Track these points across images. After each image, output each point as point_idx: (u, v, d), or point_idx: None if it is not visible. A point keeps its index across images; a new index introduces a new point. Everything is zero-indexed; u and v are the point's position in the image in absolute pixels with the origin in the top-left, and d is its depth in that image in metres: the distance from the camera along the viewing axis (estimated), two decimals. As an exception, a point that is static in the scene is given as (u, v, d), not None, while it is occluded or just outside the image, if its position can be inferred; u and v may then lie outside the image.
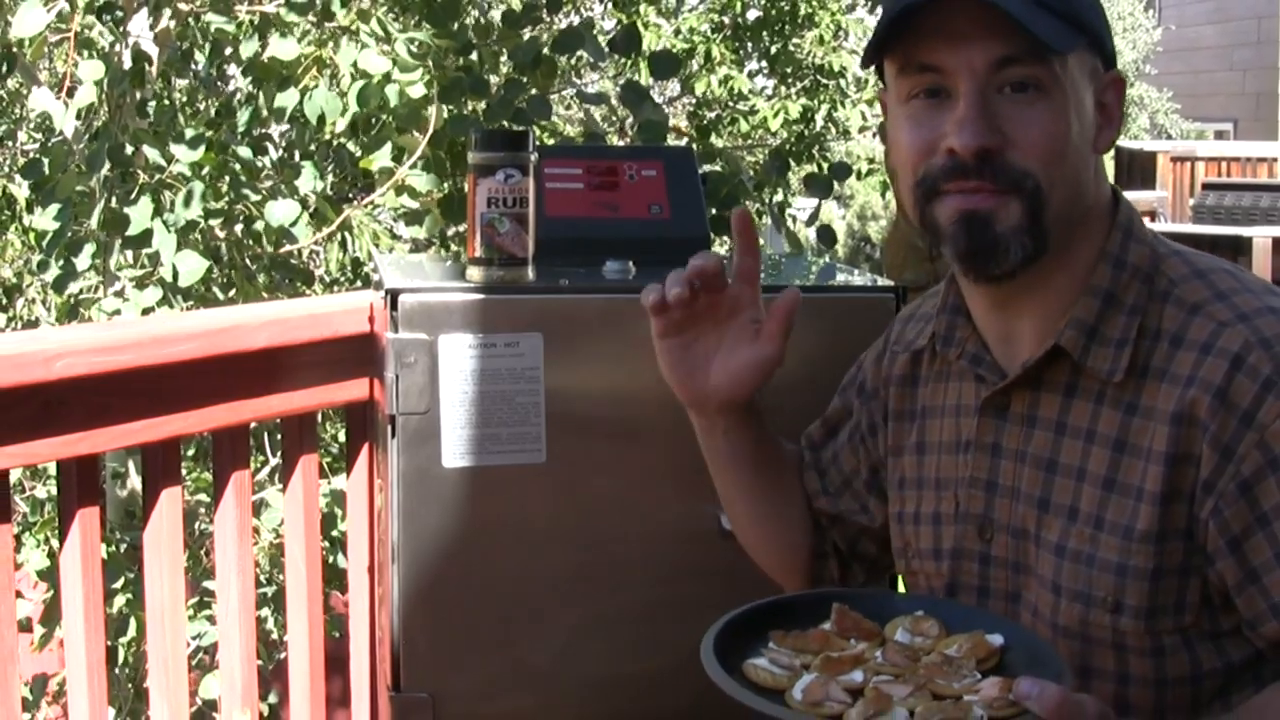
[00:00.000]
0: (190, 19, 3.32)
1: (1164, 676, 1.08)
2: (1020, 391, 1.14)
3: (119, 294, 3.15)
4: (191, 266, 2.92)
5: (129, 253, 3.21)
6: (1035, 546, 1.13)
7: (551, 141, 4.17)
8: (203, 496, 3.30)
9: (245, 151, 3.14)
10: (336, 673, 1.96)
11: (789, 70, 6.66)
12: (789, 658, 1.02)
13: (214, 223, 3.16)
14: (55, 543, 2.25)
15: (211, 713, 2.75)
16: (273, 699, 3.02)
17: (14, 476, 1.85)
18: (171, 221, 2.93)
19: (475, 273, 1.61)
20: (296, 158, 3.36)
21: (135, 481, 3.38)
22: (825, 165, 6.05)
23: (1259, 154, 9.25)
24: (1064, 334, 1.10)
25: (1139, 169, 8.35)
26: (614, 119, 5.81)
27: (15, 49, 3.24)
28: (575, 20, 6.31)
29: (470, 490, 1.57)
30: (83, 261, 3.03)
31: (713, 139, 5.72)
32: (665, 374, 1.24)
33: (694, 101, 6.74)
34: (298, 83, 2.78)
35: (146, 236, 2.94)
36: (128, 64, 3.19)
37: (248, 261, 3.34)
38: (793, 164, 5.90)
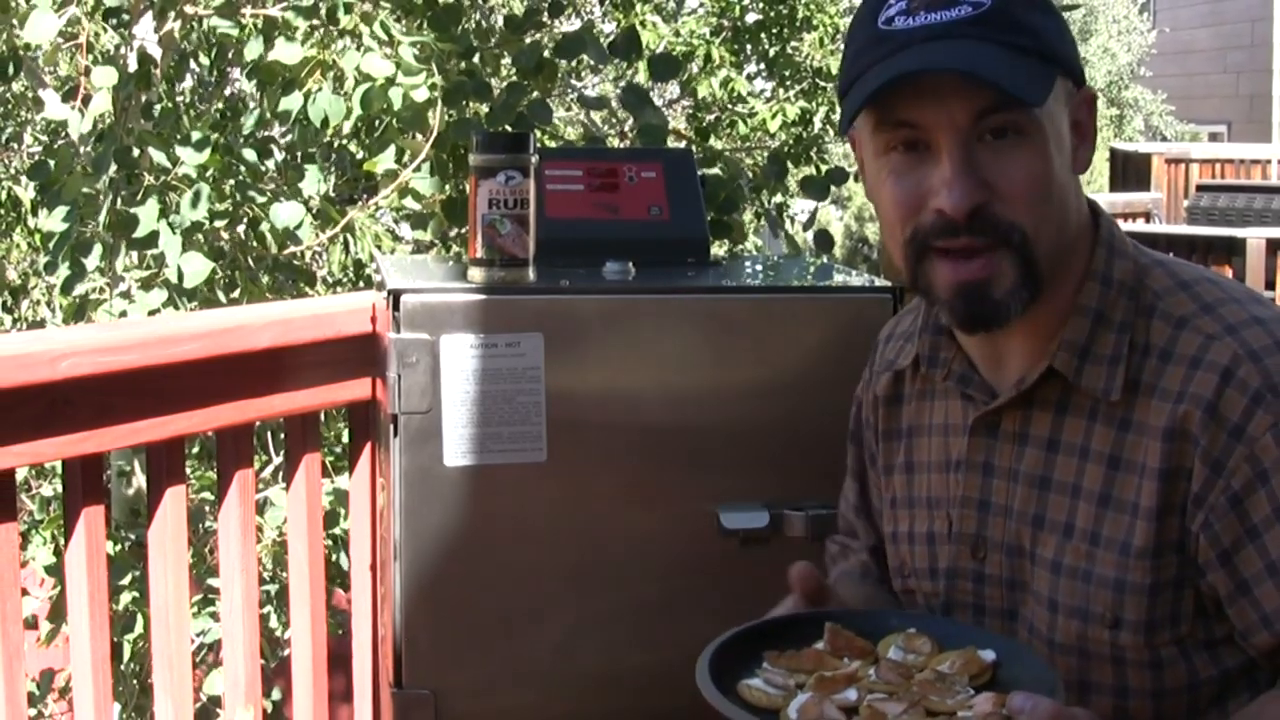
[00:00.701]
0: (195, 22, 3.34)
1: (1162, 688, 1.09)
2: (1011, 410, 1.14)
3: (125, 295, 3.17)
4: (196, 268, 2.94)
5: (134, 254, 3.23)
6: (1031, 564, 1.13)
7: (552, 144, 4.19)
8: (207, 495, 3.32)
9: (250, 154, 3.15)
10: (339, 669, 1.96)
11: (787, 73, 6.67)
12: (783, 677, 1.02)
13: (219, 224, 3.17)
14: (61, 540, 2.25)
15: (215, 709, 2.76)
16: (276, 695, 3.04)
17: (20, 475, 1.86)
18: (177, 223, 2.95)
19: (476, 273, 1.62)
20: (300, 160, 3.37)
21: (140, 480, 3.40)
22: (823, 167, 6.07)
23: (1253, 156, 9.26)
24: (1057, 356, 1.11)
25: (1134, 171, 8.35)
26: (614, 122, 5.82)
27: (22, 52, 3.26)
28: (576, 24, 6.32)
29: (471, 489, 1.58)
30: (89, 263, 3.04)
31: (712, 141, 5.73)
32: None
33: (693, 104, 6.76)
34: (302, 86, 2.80)
35: (152, 238, 2.95)
36: (133, 67, 3.20)
37: (252, 262, 3.36)
38: (791, 166, 5.90)
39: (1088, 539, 1.09)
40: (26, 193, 4.28)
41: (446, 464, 1.57)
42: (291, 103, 2.82)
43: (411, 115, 2.72)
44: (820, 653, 1.06)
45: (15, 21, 3.17)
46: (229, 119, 3.39)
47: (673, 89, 7.18)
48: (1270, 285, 4.82)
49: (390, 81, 2.68)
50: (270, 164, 3.42)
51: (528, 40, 2.86)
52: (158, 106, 3.32)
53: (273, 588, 3.27)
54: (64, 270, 3.01)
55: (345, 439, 2.20)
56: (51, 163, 3.11)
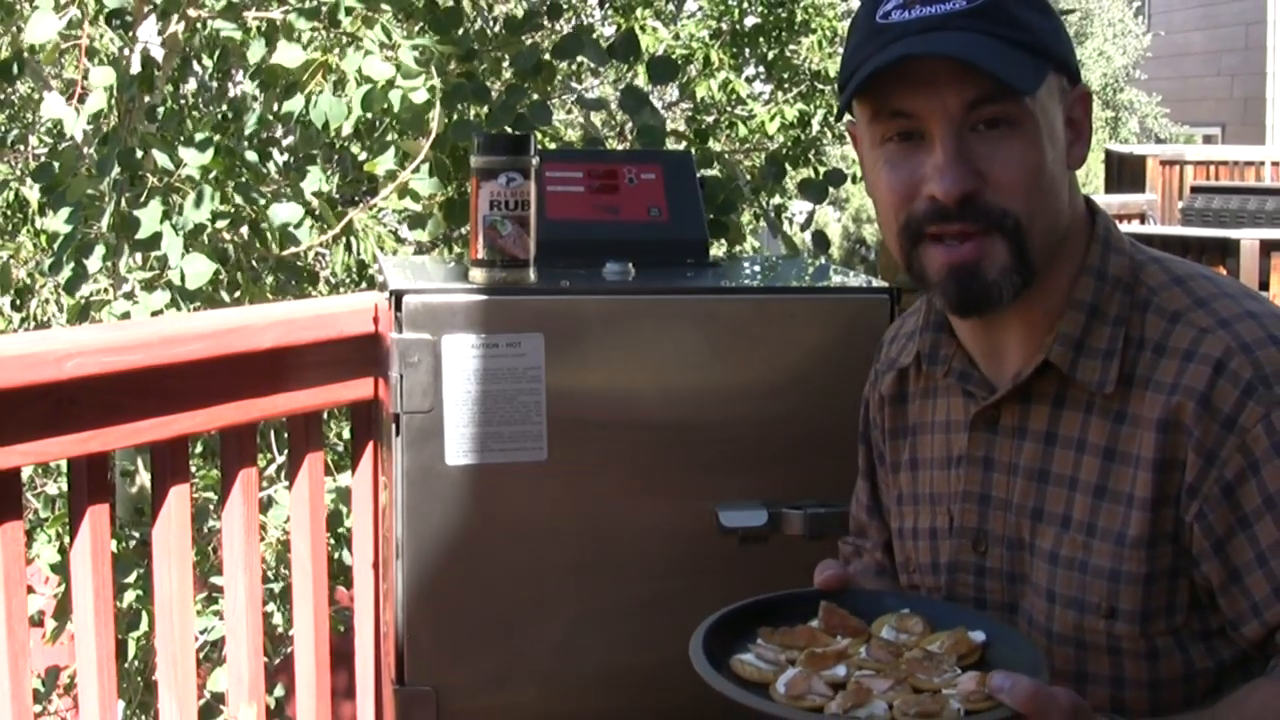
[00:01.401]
0: (198, 25, 3.35)
1: (1158, 678, 1.10)
2: (1010, 405, 1.16)
3: (128, 295, 3.18)
4: (199, 269, 2.95)
5: (138, 255, 3.24)
6: (1030, 556, 1.14)
7: (552, 146, 4.20)
8: (211, 494, 3.33)
9: (252, 155, 3.17)
10: (341, 666, 1.97)
11: (786, 76, 6.70)
12: (775, 653, 1.04)
13: (221, 225, 3.18)
14: (66, 539, 2.27)
15: (219, 705, 2.77)
16: (279, 692, 3.04)
17: (26, 474, 1.87)
18: (180, 224, 2.96)
19: (478, 274, 1.63)
20: (302, 162, 3.38)
21: (144, 479, 3.41)
22: (821, 169, 6.09)
23: (1246, 158, 9.28)
24: (1052, 349, 1.12)
25: (1129, 172, 8.36)
26: (614, 123, 5.84)
27: (27, 54, 3.27)
28: (576, 26, 6.34)
29: (473, 487, 1.59)
30: (93, 264, 3.05)
31: (711, 143, 5.75)
32: None
33: (692, 106, 6.78)
34: (303, 88, 2.81)
35: (155, 239, 2.96)
36: (136, 69, 3.22)
37: (255, 263, 3.37)
38: (789, 168, 5.92)
39: (1084, 530, 1.11)
40: (33, 194, 4.30)
41: (448, 463, 1.58)
42: (293, 105, 2.84)
43: (411, 117, 2.73)
44: (814, 630, 1.07)
45: (20, 24, 3.18)
46: (231, 121, 3.40)
47: (672, 91, 7.20)
48: (1264, 286, 4.83)
49: (390, 84, 2.69)
50: (272, 165, 3.43)
51: (527, 43, 2.87)
52: (161, 109, 3.33)
53: (276, 585, 3.28)
54: (68, 271, 3.03)
55: (348, 438, 2.21)
56: (56, 164, 3.12)
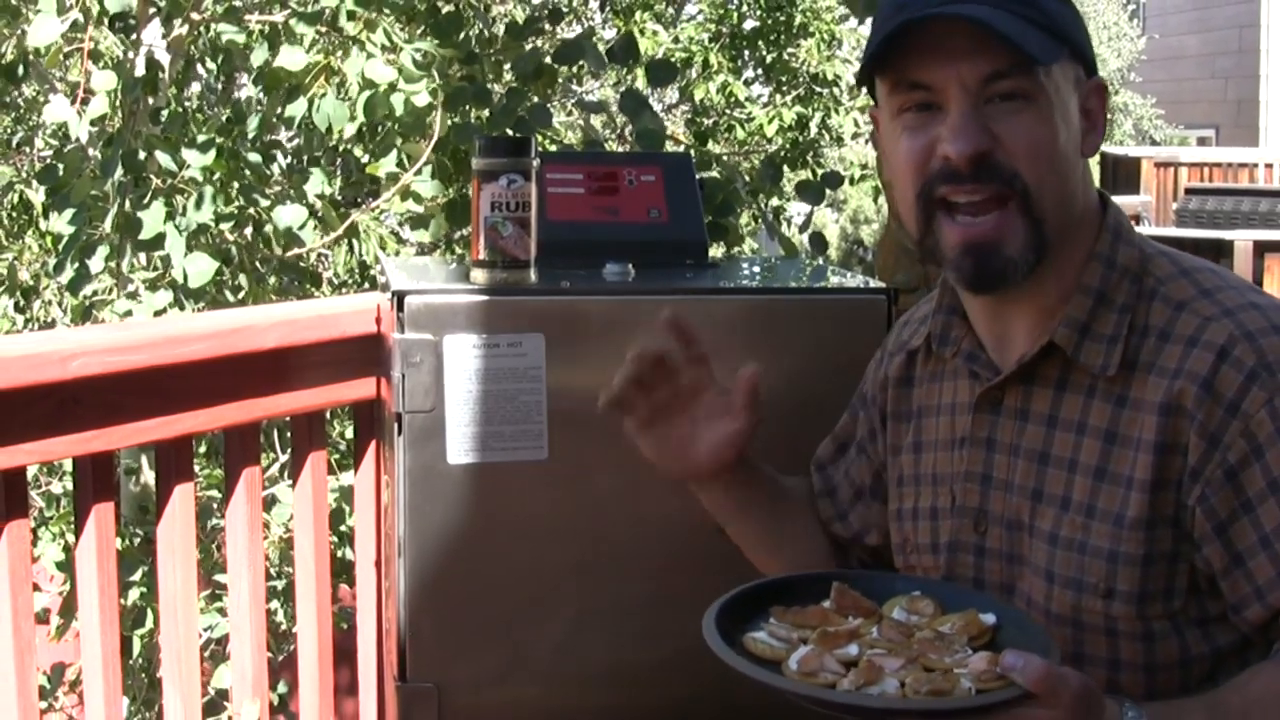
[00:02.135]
0: (202, 28, 3.37)
1: (1154, 661, 1.11)
2: (1014, 387, 1.17)
3: (132, 295, 3.19)
4: (201, 268, 2.97)
5: (141, 255, 3.26)
6: (1029, 536, 1.16)
7: (553, 148, 4.21)
8: (214, 492, 3.34)
9: (255, 157, 3.18)
10: (344, 663, 1.98)
11: (784, 78, 6.73)
12: (787, 631, 1.05)
13: (224, 226, 3.20)
14: (71, 537, 2.28)
15: (223, 702, 2.78)
16: (282, 689, 3.05)
17: (31, 472, 1.88)
18: (183, 225, 2.97)
19: (479, 275, 1.64)
20: (305, 164, 3.40)
21: (149, 477, 3.42)
22: (819, 171, 6.11)
23: (1240, 160, 9.31)
24: (1058, 331, 1.14)
25: (1124, 174, 8.39)
26: (614, 126, 5.85)
27: (32, 57, 3.29)
28: (576, 30, 6.36)
29: (474, 486, 1.60)
30: (97, 264, 3.07)
31: (710, 145, 5.78)
32: (653, 461, 1.28)
33: (692, 109, 6.80)
34: (306, 91, 2.83)
35: (159, 240, 2.98)
36: (140, 72, 3.23)
37: (258, 264, 3.39)
38: (787, 170, 5.94)
39: (1083, 511, 1.12)
40: (37, 196, 4.32)
41: (450, 461, 1.59)
42: (296, 108, 2.85)
43: (413, 120, 2.75)
44: (826, 611, 1.09)
45: (25, 27, 3.20)
46: (234, 123, 3.42)
47: (672, 94, 7.22)
48: (1256, 285, 4.86)
49: (393, 87, 2.71)
50: (275, 167, 3.44)
51: (527, 47, 2.89)
52: (165, 111, 3.35)
53: (279, 583, 3.30)
54: (71, 271, 3.04)
55: (350, 437, 2.23)
56: (60, 166, 3.14)
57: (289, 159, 3.58)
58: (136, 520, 3.34)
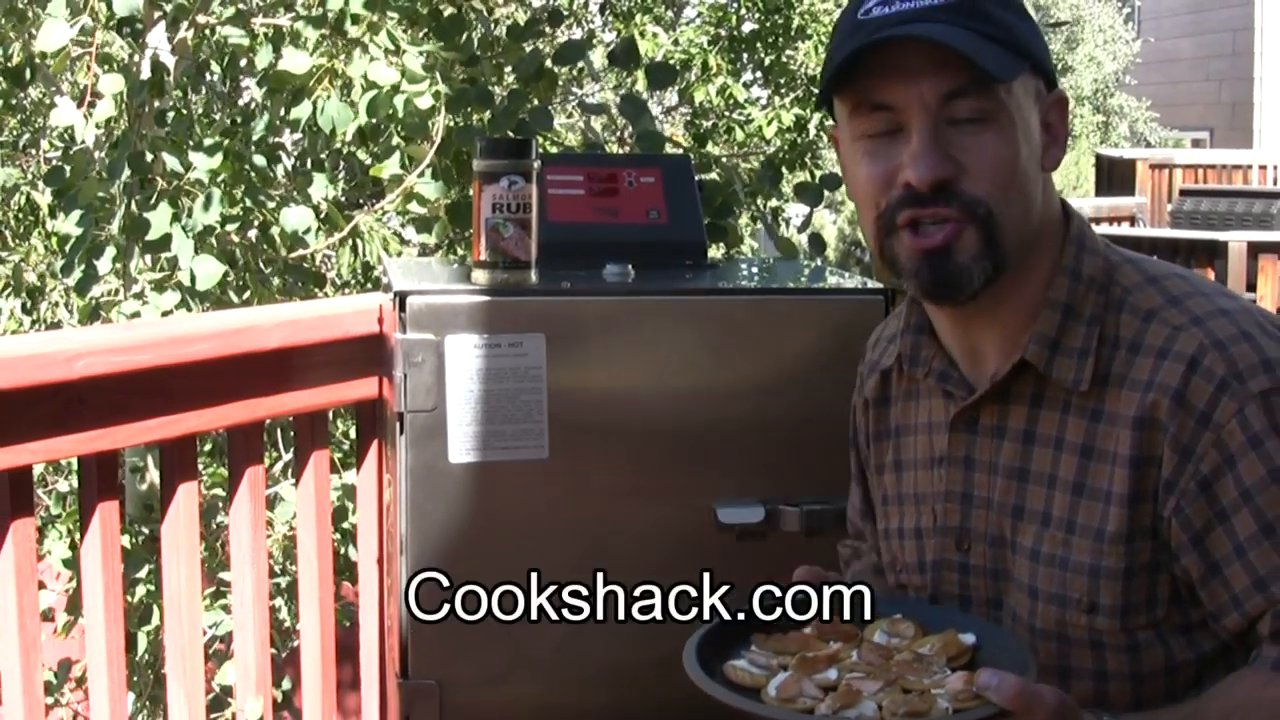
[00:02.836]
0: (207, 31, 3.38)
1: (1140, 671, 1.12)
2: (989, 405, 1.17)
3: (138, 296, 3.21)
4: (209, 271, 2.97)
5: (148, 257, 3.27)
6: (1012, 553, 1.16)
7: (554, 150, 4.22)
8: (218, 491, 3.35)
9: (260, 159, 3.20)
10: (347, 660, 1.99)
11: (782, 80, 6.74)
12: (767, 658, 1.06)
13: (230, 228, 3.21)
14: (77, 535, 2.29)
15: (227, 698, 2.79)
16: (285, 685, 3.07)
17: (37, 471, 1.89)
18: (189, 227, 2.99)
19: (480, 275, 1.65)
20: (309, 166, 3.42)
21: (154, 476, 3.44)
22: (817, 172, 6.11)
23: (1234, 161, 9.33)
24: (1028, 348, 1.14)
25: (1119, 176, 8.40)
26: (614, 128, 5.87)
27: (39, 60, 3.30)
28: (578, 33, 6.37)
29: (475, 485, 1.61)
30: (103, 265, 3.08)
31: (709, 147, 5.80)
32: None
33: (691, 111, 6.82)
34: (310, 93, 2.84)
35: (165, 241, 2.99)
36: (146, 74, 3.25)
37: (262, 265, 3.40)
38: (786, 171, 5.96)
39: (1064, 527, 1.12)
40: (44, 197, 4.33)
41: (451, 460, 1.60)
42: (300, 110, 2.87)
43: (416, 122, 2.76)
44: (807, 636, 1.09)
45: (33, 31, 3.22)
46: (239, 125, 3.43)
47: (671, 96, 7.24)
48: (1251, 287, 4.88)
49: (395, 89, 2.72)
50: (280, 169, 3.46)
51: (528, 49, 2.90)
52: (170, 113, 3.36)
53: (282, 581, 3.31)
54: (78, 273, 3.06)
55: (353, 436, 2.23)
56: (67, 168, 3.15)
57: (293, 161, 3.59)
58: (142, 518, 3.36)
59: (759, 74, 6.98)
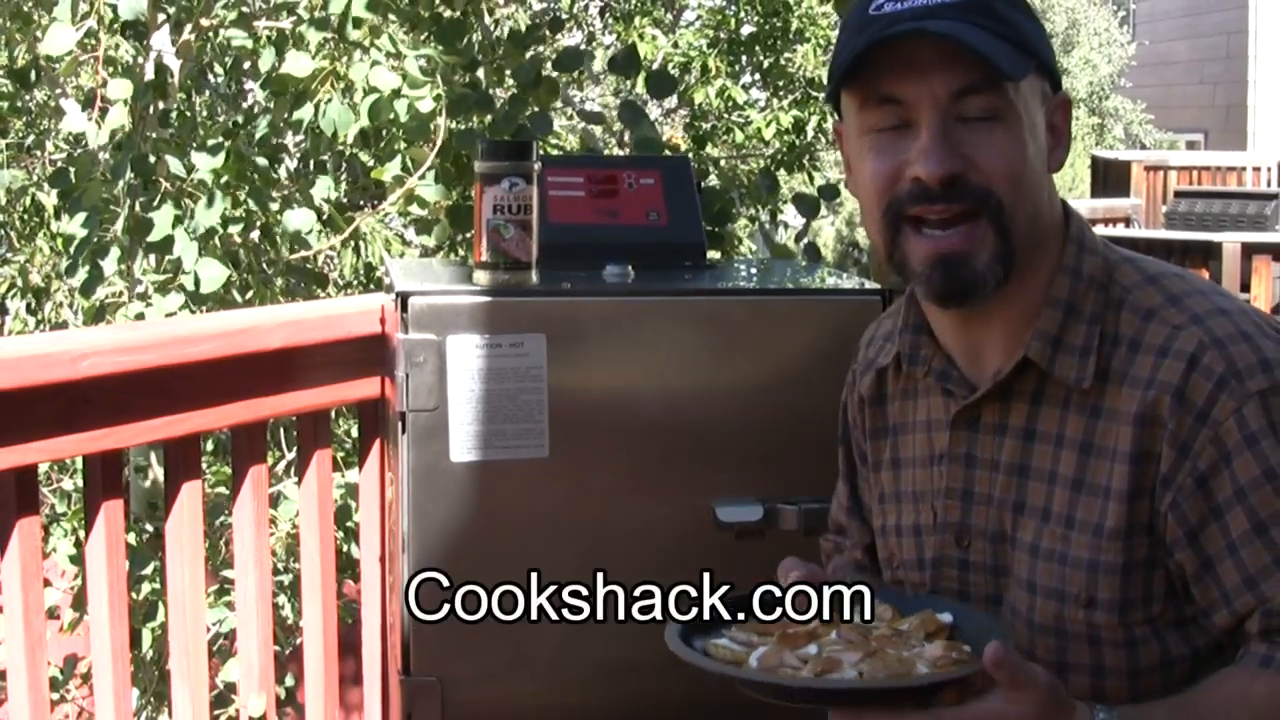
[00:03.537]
0: (211, 34, 3.40)
1: (1137, 666, 1.13)
2: (990, 403, 1.18)
3: (142, 297, 3.22)
4: (213, 274, 2.99)
5: (152, 258, 3.29)
6: (1011, 549, 1.17)
7: (554, 152, 4.24)
8: (222, 489, 3.37)
9: (262, 161, 3.21)
10: (349, 657, 1.99)
11: (781, 83, 6.76)
12: (748, 635, 1.07)
13: (233, 229, 3.23)
14: (82, 533, 2.31)
15: (230, 695, 2.80)
16: (289, 682, 3.08)
17: (42, 470, 1.90)
18: (192, 228, 3.00)
19: (481, 276, 1.66)
20: (311, 167, 3.43)
21: (158, 475, 3.45)
22: (815, 175, 6.12)
23: (1229, 163, 9.35)
24: (1031, 346, 1.15)
25: (1114, 177, 8.41)
26: (613, 132, 5.89)
27: (43, 62, 3.32)
28: (578, 35, 6.39)
29: (477, 484, 1.62)
30: (108, 267, 3.09)
31: (709, 148, 5.82)
32: None
33: (690, 113, 6.84)
34: (312, 96, 2.86)
35: (169, 242, 3.00)
36: (150, 76, 3.26)
37: (265, 266, 3.42)
38: (784, 173, 5.98)
39: (1063, 522, 1.13)
40: (49, 199, 4.35)
41: (453, 459, 1.61)
42: (303, 113, 2.88)
43: (417, 125, 2.78)
44: (785, 622, 1.09)
45: (39, 34, 3.23)
46: (241, 127, 3.45)
47: (671, 98, 7.27)
48: (1245, 288, 4.90)
49: (397, 93, 2.74)
50: (283, 171, 3.47)
51: (528, 55, 2.91)
52: (174, 115, 3.38)
53: (286, 578, 3.32)
54: (83, 274, 3.07)
55: (355, 435, 2.24)
56: (72, 170, 3.16)
57: (295, 163, 3.61)
58: (147, 516, 3.37)
59: (758, 76, 7.01)
